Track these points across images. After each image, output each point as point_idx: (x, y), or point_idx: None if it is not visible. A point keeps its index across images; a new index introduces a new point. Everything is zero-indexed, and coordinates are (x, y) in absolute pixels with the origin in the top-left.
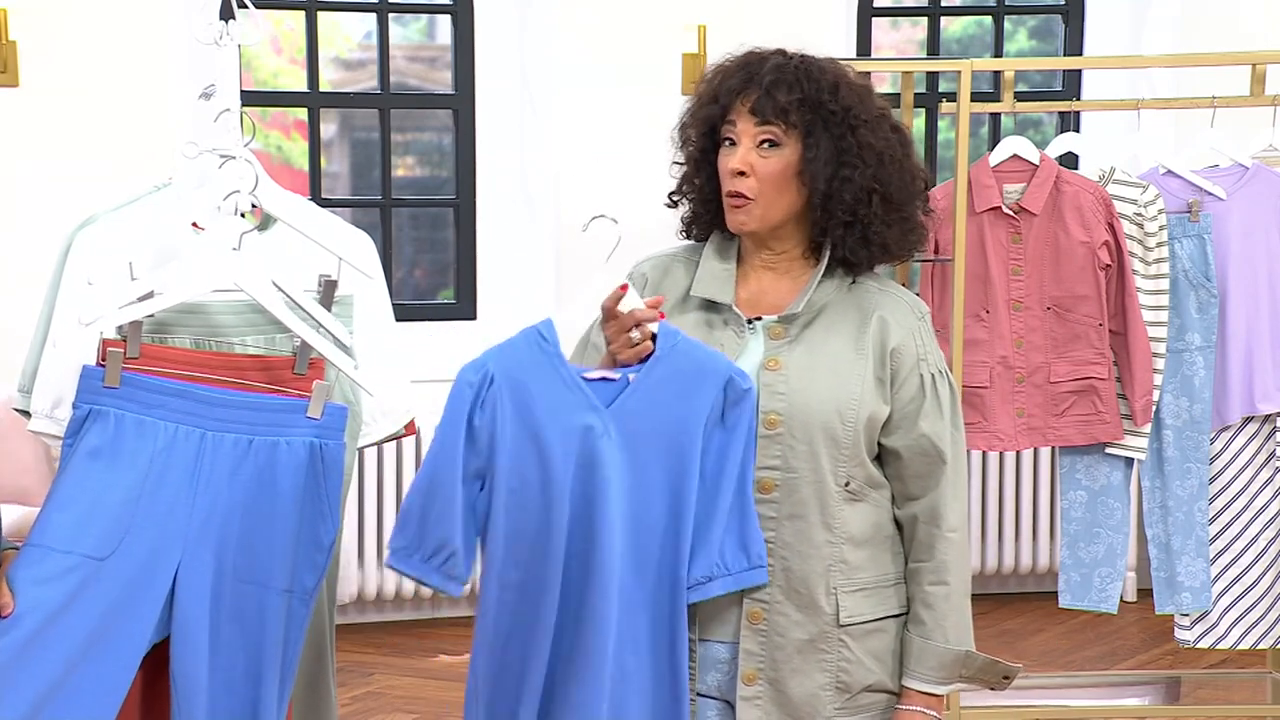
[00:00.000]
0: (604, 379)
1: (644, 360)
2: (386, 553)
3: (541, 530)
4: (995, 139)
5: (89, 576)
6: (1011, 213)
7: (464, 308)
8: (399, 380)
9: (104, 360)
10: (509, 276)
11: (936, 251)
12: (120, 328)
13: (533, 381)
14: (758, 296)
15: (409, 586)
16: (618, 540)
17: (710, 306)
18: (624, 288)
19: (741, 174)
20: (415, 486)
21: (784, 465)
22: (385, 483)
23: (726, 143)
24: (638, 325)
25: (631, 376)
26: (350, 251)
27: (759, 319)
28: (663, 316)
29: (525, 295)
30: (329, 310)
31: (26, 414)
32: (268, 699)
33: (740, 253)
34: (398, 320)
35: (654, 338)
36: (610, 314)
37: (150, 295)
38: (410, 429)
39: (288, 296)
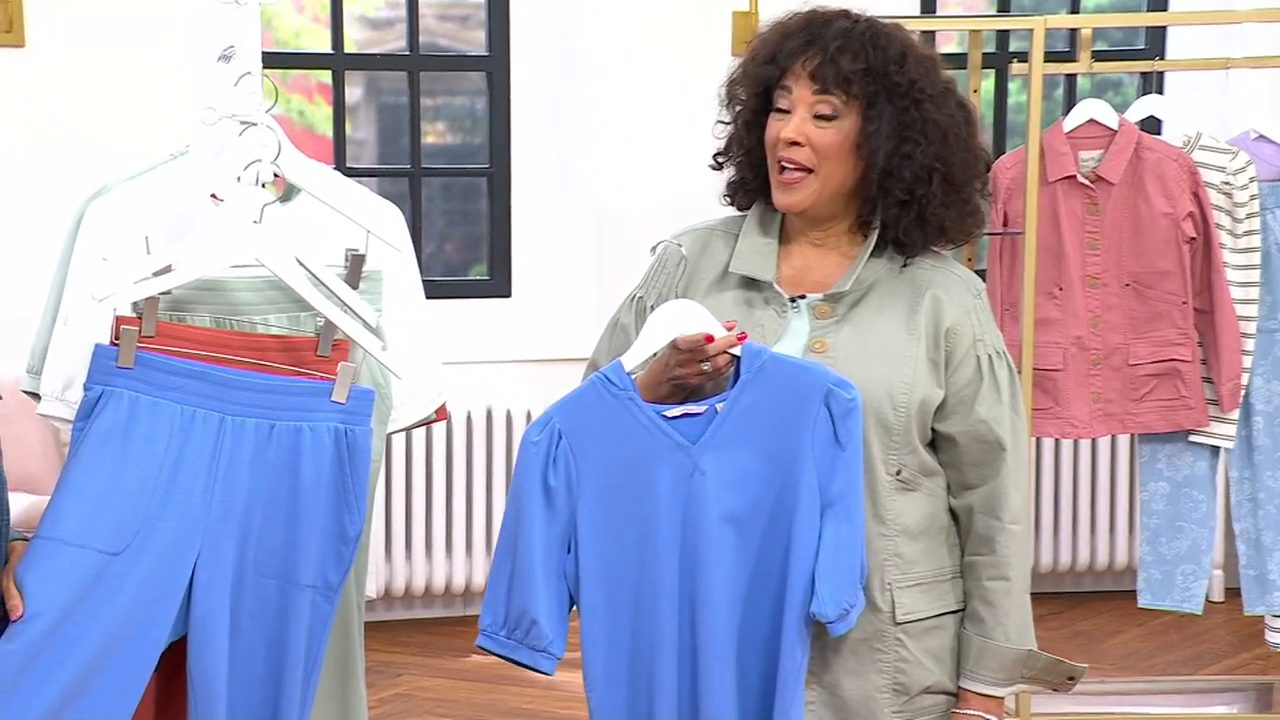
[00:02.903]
0: (686, 415)
1: (720, 386)
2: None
3: (646, 588)
4: (1070, 102)
5: (103, 572)
6: (1088, 182)
7: (498, 284)
8: (429, 362)
9: (117, 339)
10: (546, 251)
11: (1006, 224)
12: (135, 304)
13: (608, 430)
14: (802, 273)
15: (440, 581)
16: (728, 584)
17: (750, 284)
18: (709, 338)
19: (795, 144)
20: (494, 561)
21: None
22: (415, 471)
23: (778, 109)
24: (709, 358)
25: (719, 407)
26: (378, 224)
27: (802, 297)
28: (744, 338)
29: (563, 271)
30: (355, 287)
31: (36, 396)
32: (290, 700)
33: (784, 226)
34: (428, 297)
35: (735, 360)
36: (685, 350)
37: (167, 270)
38: (441, 414)
39: (311, 273)
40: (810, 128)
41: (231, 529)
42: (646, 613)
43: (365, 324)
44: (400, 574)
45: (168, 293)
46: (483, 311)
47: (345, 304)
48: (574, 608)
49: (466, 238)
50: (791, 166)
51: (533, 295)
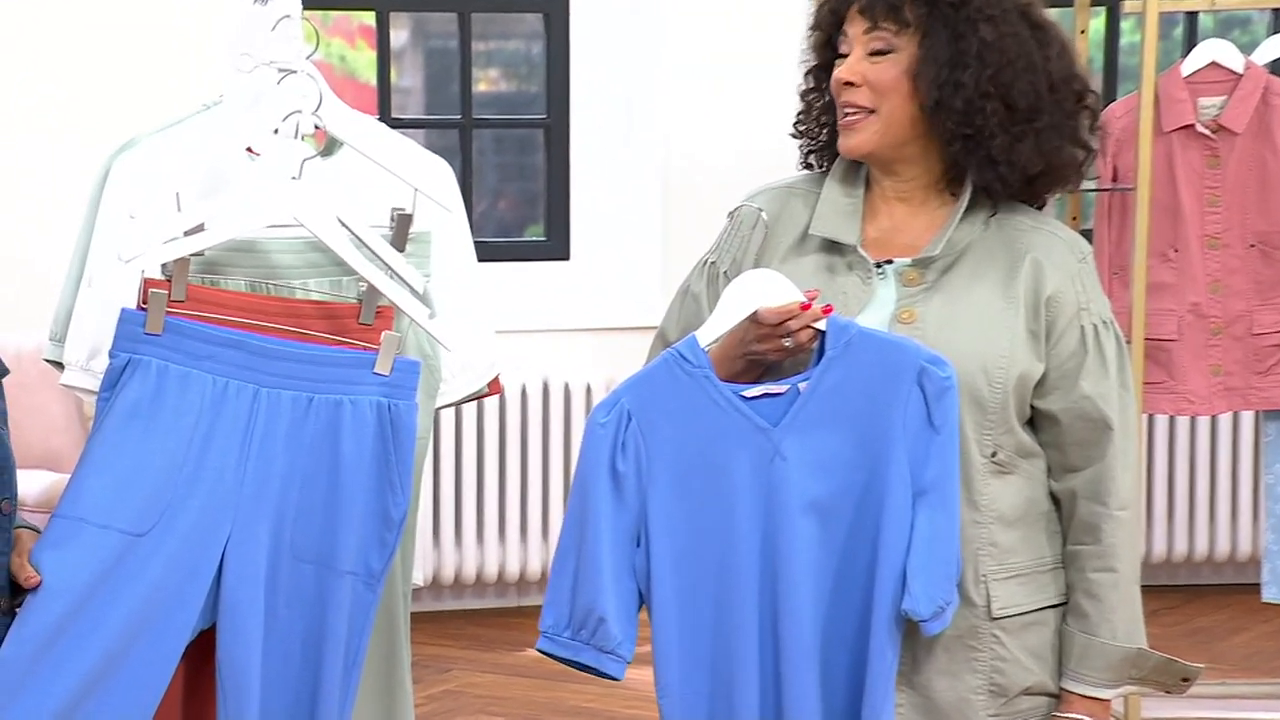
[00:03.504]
0: (766, 394)
1: (800, 364)
2: (538, 636)
3: (723, 583)
4: (1190, 43)
5: (126, 554)
6: (1208, 132)
7: (555, 246)
8: (481, 331)
9: (145, 303)
10: (608, 209)
11: (1115, 179)
12: (165, 266)
13: (681, 411)
14: (889, 235)
15: (493, 569)
16: (812, 579)
17: (831, 248)
18: (805, 305)
19: (850, 85)
20: (557, 554)
21: None
22: (465, 449)
23: (840, 56)
24: (791, 333)
25: (801, 386)
26: (426, 181)
27: (889, 262)
28: (830, 311)
29: (627, 231)
30: (401, 250)
31: (59, 365)
32: (329, 696)
33: (869, 185)
34: (480, 260)
35: (819, 335)
36: (767, 324)
37: (199, 230)
38: (494, 387)
39: (354, 233)
40: (865, 66)
41: (265, 509)
42: (724, 610)
43: (412, 290)
44: (449, 561)
45: (199, 254)
46: (539, 276)
47: (390, 268)
48: (643, 606)
49: (521, 195)
50: (852, 110)
51: (593, 258)
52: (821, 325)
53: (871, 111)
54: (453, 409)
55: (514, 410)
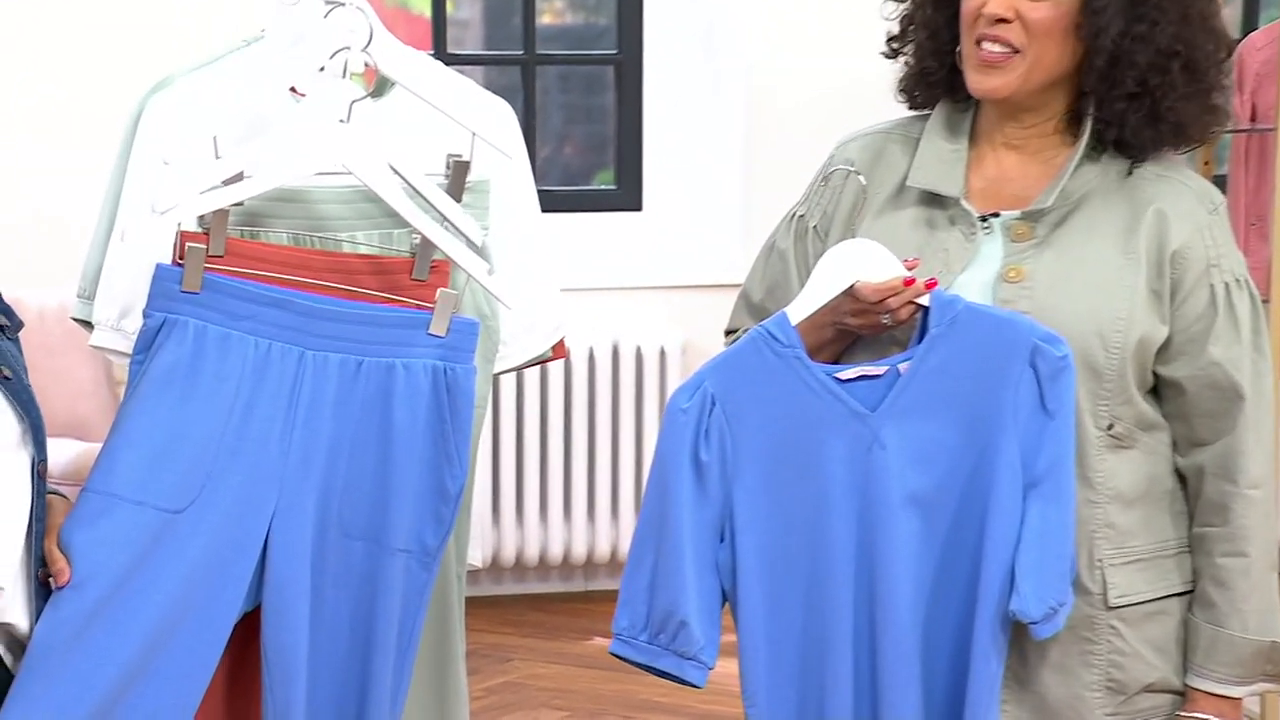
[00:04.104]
0: (863, 377)
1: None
2: (611, 640)
3: (815, 582)
4: None
5: (164, 532)
6: None
7: (627, 195)
8: (545, 288)
9: (182, 258)
10: (684, 154)
11: (1254, 119)
12: (202, 218)
13: (770, 395)
14: (996, 185)
15: (557, 550)
16: (912, 577)
17: (932, 200)
18: (909, 280)
19: (1003, 21)
20: (633, 549)
21: None
22: (527, 418)
23: None
24: (891, 311)
25: (902, 367)
26: (485, 124)
27: (995, 215)
28: (934, 285)
29: (704, 178)
30: (458, 199)
31: (87, 325)
32: (379, 684)
33: (975, 128)
34: (544, 211)
35: (921, 310)
36: (866, 301)
37: (239, 178)
38: (559, 350)
39: (407, 181)
40: (1022, 1)
41: (312, 482)
42: (815, 612)
43: (469, 242)
44: (510, 541)
45: (240, 204)
46: (609, 227)
47: (446, 218)
48: (727, 605)
49: (590, 139)
50: (997, 47)
51: (668, 208)
52: (925, 301)
53: (1017, 51)
54: (513, 374)
55: (580, 375)
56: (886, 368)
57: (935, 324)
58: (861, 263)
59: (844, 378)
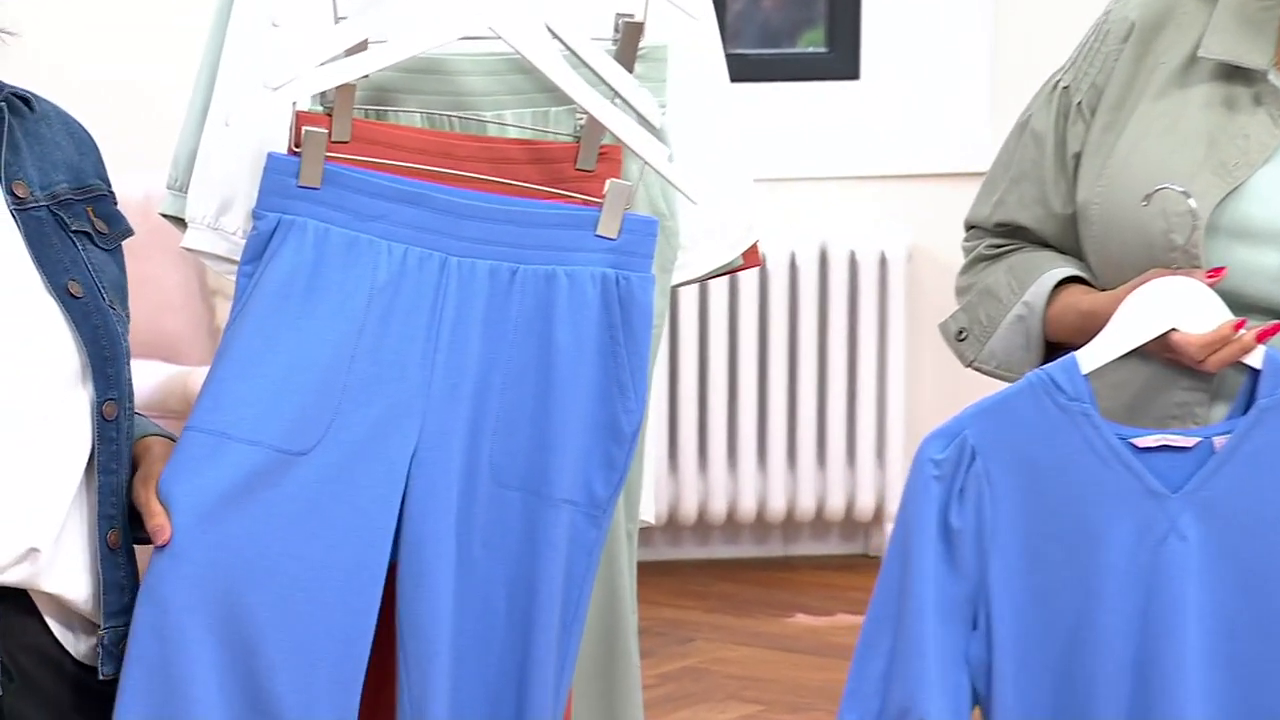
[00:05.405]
0: (1166, 447)
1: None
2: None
3: (1076, 692)
4: None
5: (285, 479)
6: None
7: (840, 60)
8: (736, 178)
9: (298, 145)
10: (914, 7)
11: None
12: (323, 95)
13: (1045, 455)
14: None
15: (748, 505)
16: (1201, 707)
17: (1232, 74)
18: (1238, 325)
19: None
20: (866, 627)
21: None
22: (712, 342)
23: None
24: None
25: (1218, 441)
26: None
27: None
28: (1267, 336)
29: (938, 39)
30: (630, 69)
31: (178, 222)
32: (541, 665)
33: None
34: (735, 81)
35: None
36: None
37: (363, 46)
38: (752, 257)
39: (568, 47)
40: None
41: (459, 418)
42: None
43: (645, 123)
44: (690, 494)
45: (366, 77)
46: (818, 101)
47: (617, 93)
48: (976, 706)
49: None
50: None
51: (892, 76)
52: (1255, 361)
53: None
54: (696, 286)
55: (779, 288)
56: (1198, 440)
57: (1267, 392)
58: (1180, 307)
59: (1142, 445)
